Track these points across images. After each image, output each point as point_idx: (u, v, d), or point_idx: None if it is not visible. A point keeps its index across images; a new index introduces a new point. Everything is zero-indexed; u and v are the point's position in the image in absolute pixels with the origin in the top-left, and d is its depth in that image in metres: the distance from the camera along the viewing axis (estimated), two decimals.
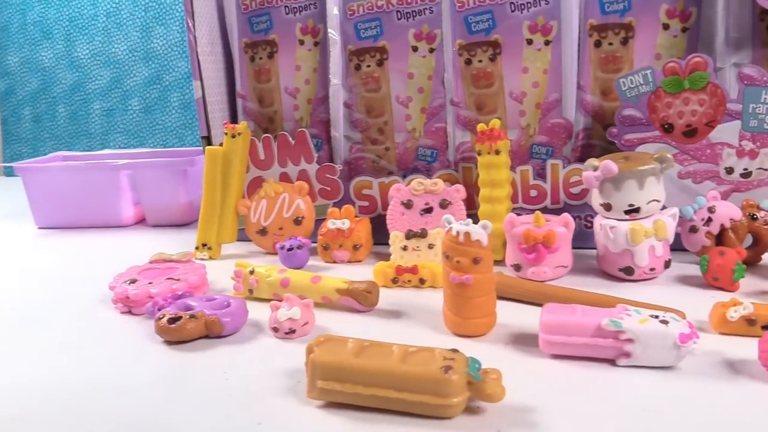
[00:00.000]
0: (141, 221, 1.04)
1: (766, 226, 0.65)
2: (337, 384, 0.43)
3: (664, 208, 0.64)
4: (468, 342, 0.53)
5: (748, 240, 0.67)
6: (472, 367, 0.42)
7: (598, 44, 0.72)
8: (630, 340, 0.46)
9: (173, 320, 0.56)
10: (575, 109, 0.74)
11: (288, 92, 0.84)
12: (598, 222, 0.63)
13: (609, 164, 0.61)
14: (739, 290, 0.60)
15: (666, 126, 0.68)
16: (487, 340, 0.53)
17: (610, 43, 0.72)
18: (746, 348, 0.47)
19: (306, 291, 0.62)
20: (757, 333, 0.50)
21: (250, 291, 0.65)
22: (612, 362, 0.47)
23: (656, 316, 0.47)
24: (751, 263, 0.66)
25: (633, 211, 0.61)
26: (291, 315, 0.56)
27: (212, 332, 0.56)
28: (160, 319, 0.56)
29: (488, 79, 0.76)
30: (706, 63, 0.66)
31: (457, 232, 0.52)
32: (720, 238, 0.66)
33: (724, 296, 0.58)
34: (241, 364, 0.51)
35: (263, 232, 0.80)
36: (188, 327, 0.55)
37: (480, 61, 0.76)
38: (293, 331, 0.55)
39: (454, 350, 0.44)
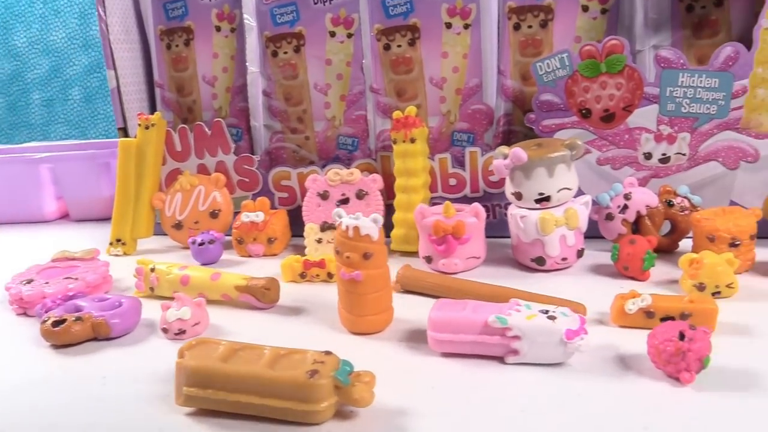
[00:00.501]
0: (65, 216, 1.01)
1: (682, 213, 0.63)
2: (201, 390, 0.41)
3: (580, 195, 0.62)
4: (362, 340, 0.51)
5: (667, 227, 0.65)
6: (342, 371, 0.40)
7: (517, 27, 0.70)
8: (517, 337, 0.44)
9: (58, 323, 0.53)
10: (496, 95, 0.71)
11: (206, 81, 0.81)
12: (510, 211, 0.61)
13: (518, 152, 0.59)
14: (650, 279, 0.58)
15: (583, 111, 0.66)
16: (381, 338, 0.51)
17: (530, 26, 0.70)
18: (641, 342, 0.45)
19: (205, 289, 0.59)
20: (656, 325, 0.48)
21: (152, 289, 0.62)
22: (501, 360, 0.45)
23: (546, 312, 0.45)
24: (668, 250, 0.64)
25: (543, 199, 0.59)
26: (180, 315, 0.53)
27: (100, 334, 0.53)
28: (45, 321, 0.53)
29: (407, 64, 0.73)
30: (623, 45, 0.64)
31: (347, 227, 0.49)
32: (637, 226, 0.64)
33: (634, 286, 0.56)
34: (123, 367, 0.49)
35: (178, 226, 0.77)
36: (73, 330, 0.52)
37: (399, 46, 0.73)
38: (183, 332, 0.53)
39: (327, 353, 0.42)
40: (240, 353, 0.43)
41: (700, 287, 0.53)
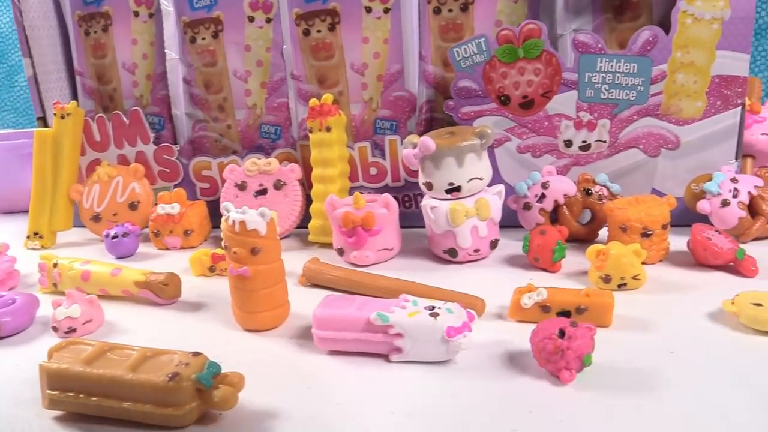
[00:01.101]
0: None
1: (600, 202, 0.61)
2: (63, 394, 0.39)
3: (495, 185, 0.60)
4: (252, 337, 0.49)
5: (587, 216, 0.63)
6: (207, 373, 0.38)
7: (437, 11, 0.68)
8: (399, 335, 0.42)
9: None
10: (418, 81, 0.69)
11: (126, 68, 0.79)
12: (422, 202, 0.59)
13: (426, 141, 0.57)
14: (562, 270, 0.57)
15: (502, 97, 0.64)
16: (273, 335, 0.49)
17: (450, 10, 0.68)
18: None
19: (106, 284, 0.58)
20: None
21: (55, 285, 0.60)
22: (387, 358, 0.43)
23: (432, 308, 0.43)
24: (587, 240, 0.63)
25: (454, 189, 0.57)
26: (70, 313, 0.51)
27: None
28: None
29: (328, 50, 0.71)
30: (540, 30, 0.62)
31: (233, 222, 0.47)
32: (555, 215, 0.62)
33: (545, 277, 0.55)
34: (5, 368, 0.46)
35: (97, 218, 0.75)
36: None
37: (319, 31, 0.71)
38: (74, 330, 0.51)
39: (195, 354, 0.40)
40: (108, 355, 0.41)
41: (606, 279, 0.51)
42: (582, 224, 0.63)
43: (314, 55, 0.71)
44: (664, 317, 0.47)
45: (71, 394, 0.39)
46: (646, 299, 0.50)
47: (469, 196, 0.58)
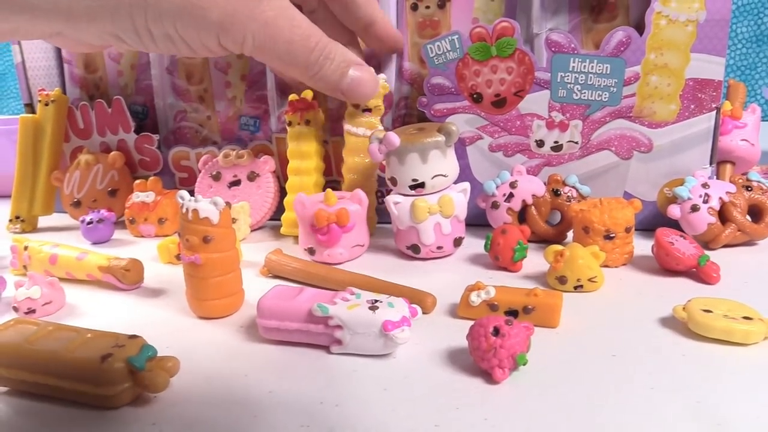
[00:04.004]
0: None
1: (569, 203, 0.61)
2: (5, 369, 0.40)
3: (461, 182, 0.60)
4: (203, 324, 0.49)
5: (558, 217, 0.63)
6: (141, 356, 0.39)
7: (414, 8, 0.68)
8: (339, 327, 0.42)
9: None
10: (395, 77, 0.69)
11: (111, 57, 0.79)
12: (386, 197, 0.59)
13: (390, 136, 0.57)
14: (523, 271, 0.56)
15: (475, 95, 0.64)
16: (224, 323, 0.49)
17: (427, 7, 0.67)
18: None
19: (72, 268, 0.58)
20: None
21: (25, 267, 0.61)
22: (328, 349, 0.43)
23: (375, 301, 0.43)
24: (556, 241, 0.62)
25: (418, 186, 0.57)
26: (30, 294, 0.52)
27: None
28: None
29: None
30: (514, 28, 0.61)
31: (186, 209, 0.48)
32: (523, 215, 0.62)
33: (504, 277, 0.55)
34: None
35: (77, 204, 0.76)
36: None
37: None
38: (33, 311, 0.52)
39: (133, 336, 0.40)
40: (53, 334, 0.42)
41: (562, 280, 0.51)
42: (551, 225, 0.62)
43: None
44: (613, 321, 0.46)
45: (14, 370, 0.40)
46: (599, 302, 0.49)
47: (433, 192, 0.58)
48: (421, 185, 0.57)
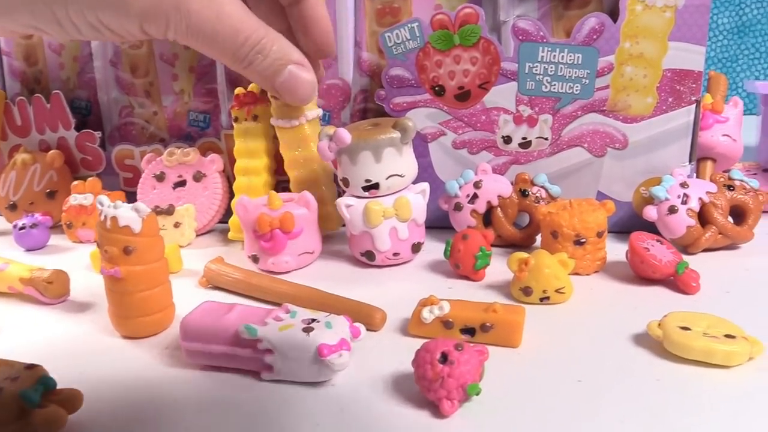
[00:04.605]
0: None
1: (537, 204, 0.56)
2: None
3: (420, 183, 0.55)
4: (125, 345, 0.44)
5: (526, 219, 0.58)
6: (35, 390, 0.33)
7: None
8: (269, 351, 0.37)
9: None
10: (353, 69, 0.64)
11: (52, 49, 0.74)
12: (337, 200, 0.54)
13: (340, 133, 0.51)
14: (486, 279, 0.51)
15: (436, 88, 0.59)
16: (149, 343, 0.44)
17: None
18: None
19: None
20: (456, 337, 0.41)
21: None
22: (259, 376, 0.38)
23: (311, 321, 0.38)
24: (524, 245, 0.57)
25: (371, 187, 0.52)
26: None
27: None
28: None
29: None
30: (478, 15, 0.56)
31: (104, 217, 0.42)
32: (488, 217, 0.57)
33: (465, 287, 0.50)
34: None
35: (13, 207, 0.70)
36: None
37: None
38: None
39: (30, 366, 0.35)
40: None
41: (527, 291, 0.46)
42: (519, 228, 0.57)
43: None
44: (581, 339, 0.41)
45: None
46: (567, 317, 0.45)
47: (389, 194, 0.53)
48: (375, 186, 0.52)
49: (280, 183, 0.65)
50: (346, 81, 0.65)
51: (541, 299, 0.46)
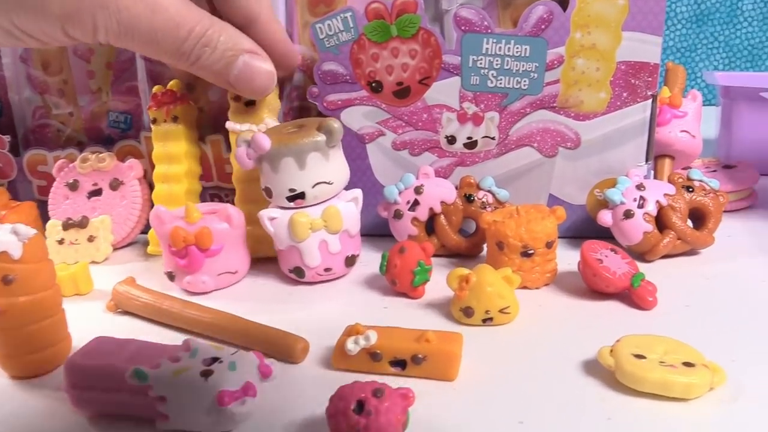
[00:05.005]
0: None
1: (484, 210, 0.51)
2: None
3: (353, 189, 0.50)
4: (11, 387, 0.38)
5: (473, 226, 0.53)
6: None
7: None
8: (162, 398, 0.32)
9: None
10: None
11: None
12: (260, 212, 0.49)
13: (258, 138, 0.46)
14: (427, 296, 0.47)
15: (373, 84, 0.54)
16: (42, 384, 0.38)
17: None
18: None
19: None
20: (385, 370, 0.36)
21: None
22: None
23: (212, 361, 0.33)
24: (471, 255, 0.53)
25: (296, 197, 0.47)
26: None
27: None
28: None
29: None
30: (416, 4, 0.51)
31: None
32: (431, 225, 0.52)
33: (402, 306, 0.45)
34: None
35: None
36: None
37: None
38: None
39: None
40: None
41: (467, 312, 0.42)
42: (466, 236, 0.53)
43: None
44: (526, 369, 0.37)
45: None
46: (511, 341, 0.40)
47: (316, 204, 0.47)
48: (301, 196, 0.47)
49: (208, 191, 0.59)
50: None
51: (484, 320, 0.42)
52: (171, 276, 0.49)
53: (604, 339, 0.37)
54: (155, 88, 0.56)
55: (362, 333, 0.37)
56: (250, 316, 0.42)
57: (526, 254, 0.46)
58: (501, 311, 0.41)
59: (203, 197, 0.60)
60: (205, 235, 0.47)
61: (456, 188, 0.53)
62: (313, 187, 0.47)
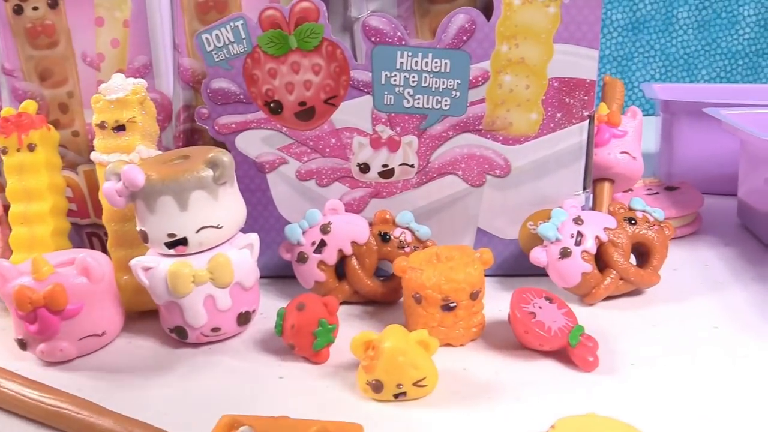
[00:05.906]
0: None
1: (402, 250, 0.44)
2: None
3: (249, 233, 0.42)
4: None
5: (390, 267, 0.46)
6: None
7: None
8: None
9: None
10: (172, 79, 0.50)
11: None
12: (132, 261, 0.40)
13: (129, 172, 0.38)
14: (331, 361, 0.39)
15: (272, 104, 0.46)
16: None
17: None
18: None
19: None
20: None
21: None
22: None
23: None
24: (388, 302, 0.45)
25: (177, 243, 0.38)
26: None
27: None
28: None
29: (49, 35, 0.51)
30: (318, 10, 0.43)
31: None
32: (342, 268, 0.45)
33: (301, 374, 0.37)
34: None
35: None
36: None
37: (35, 8, 0.51)
38: None
39: None
40: None
41: (376, 387, 0.34)
42: (382, 279, 0.45)
43: (31, 42, 0.51)
44: None
45: None
46: (426, 422, 0.33)
47: (202, 252, 0.39)
48: (182, 242, 0.38)
49: (86, 229, 0.50)
50: (165, 95, 0.51)
51: (396, 395, 0.34)
52: (22, 344, 0.40)
53: (535, 415, 0.31)
54: (3, 111, 0.47)
55: (237, 428, 0.29)
56: (113, 392, 0.34)
57: (447, 308, 0.39)
58: (416, 384, 0.34)
59: (79, 238, 0.51)
60: (57, 294, 0.39)
61: (370, 225, 0.45)
62: (197, 232, 0.39)
